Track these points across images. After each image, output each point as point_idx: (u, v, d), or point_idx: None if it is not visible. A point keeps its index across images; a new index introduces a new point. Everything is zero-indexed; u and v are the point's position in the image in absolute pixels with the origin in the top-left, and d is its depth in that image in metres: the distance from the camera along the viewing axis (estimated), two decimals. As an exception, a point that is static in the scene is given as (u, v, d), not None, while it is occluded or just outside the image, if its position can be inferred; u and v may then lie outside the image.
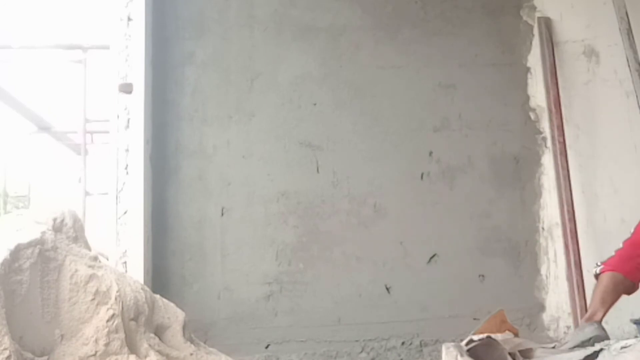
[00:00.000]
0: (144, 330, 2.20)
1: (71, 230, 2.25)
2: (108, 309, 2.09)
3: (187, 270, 3.74)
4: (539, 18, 4.01)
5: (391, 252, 3.83)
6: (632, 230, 2.84)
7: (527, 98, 4.03)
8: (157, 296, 2.45)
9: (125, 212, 3.58)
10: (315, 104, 3.92)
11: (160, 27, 3.89)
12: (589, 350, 1.86)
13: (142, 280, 3.06)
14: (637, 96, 3.51)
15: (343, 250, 3.80)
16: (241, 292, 3.73)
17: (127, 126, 3.65)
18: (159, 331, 2.34)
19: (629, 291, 2.79)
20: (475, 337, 2.30)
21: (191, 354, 2.30)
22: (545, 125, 3.96)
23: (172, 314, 2.41)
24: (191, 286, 3.73)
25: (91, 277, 2.12)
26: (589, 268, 3.63)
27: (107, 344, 2.03)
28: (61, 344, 2.02)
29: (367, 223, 3.84)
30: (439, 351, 2.42)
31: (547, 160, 3.93)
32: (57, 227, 2.22)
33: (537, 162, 3.99)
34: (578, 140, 3.88)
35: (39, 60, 6.15)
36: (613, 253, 2.83)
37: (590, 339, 2.50)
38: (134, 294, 2.20)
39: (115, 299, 2.11)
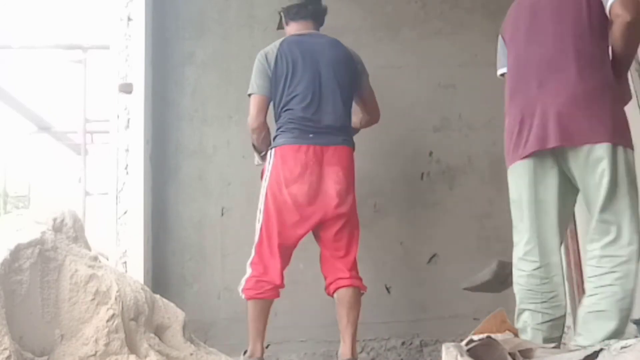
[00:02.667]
0: (144, 330, 2.20)
1: (71, 230, 2.25)
2: (108, 309, 2.08)
3: (187, 270, 3.75)
4: (539, 18, 4.00)
5: (391, 252, 3.83)
6: None
7: (527, 98, 4.03)
8: (157, 296, 2.45)
9: (125, 212, 3.58)
10: (315, 104, 3.92)
11: (160, 27, 3.90)
12: (589, 350, 1.86)
13: (142, 280, 3.06)
14: (637, 96, 3.50)
15: (343, 250, 3.79)
16: (241, 292, 3.73)
17: (127, 126, 3.65)
18: (159, 331, 2.33)
19: None
20: (475, 337, 2.30)
21: (191, 354, 2.29)
22: (545, 125, 3.95)
23: (172, 314, 2.41)
24: (191, 286, 3.73)
25: (91, 277, 2.12)
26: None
27: (107, 344, 2.03)
28: (61, 344, 2.01)
29: (367, 223, 3.84)
30: (439, 351, 2.41)
31: (547, 160, 3.93)
32: (57, 227, 2.21)
33: (537, 162, 3.99)
34: (578, 140, 3.86)
35: (39, 60, 6.18)
36: None
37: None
38: (134, 294, 2.20)
39: (115, 299, 2.11)
